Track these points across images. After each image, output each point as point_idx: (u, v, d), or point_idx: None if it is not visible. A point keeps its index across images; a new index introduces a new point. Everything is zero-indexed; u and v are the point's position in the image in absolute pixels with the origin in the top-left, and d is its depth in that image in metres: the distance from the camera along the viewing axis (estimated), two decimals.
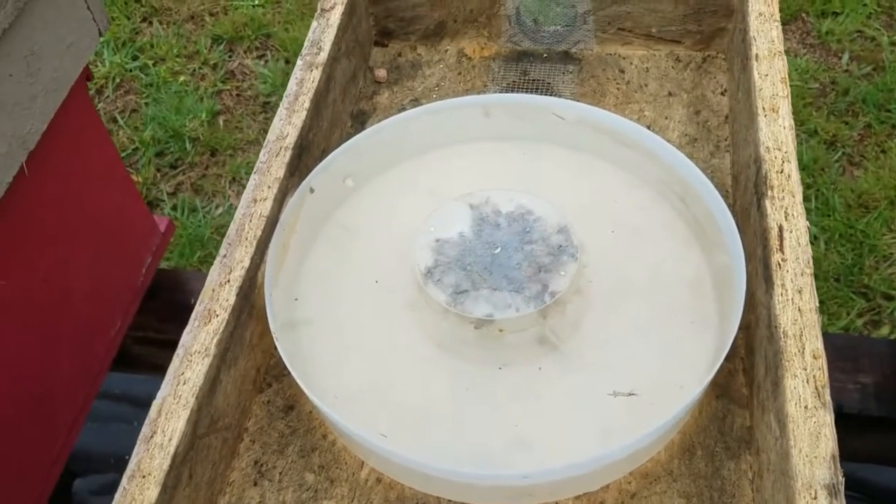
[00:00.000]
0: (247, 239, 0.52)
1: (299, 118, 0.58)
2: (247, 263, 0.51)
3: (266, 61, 1.67)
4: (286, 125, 0.58)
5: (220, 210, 1.45)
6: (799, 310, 0.45)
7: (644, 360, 0.52)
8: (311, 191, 0.57)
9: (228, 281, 0.50)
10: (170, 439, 0.44)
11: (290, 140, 0.57)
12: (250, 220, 0.53)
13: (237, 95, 1.64)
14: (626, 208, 0.58)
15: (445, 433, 0.50)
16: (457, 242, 0.54)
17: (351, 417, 0.47)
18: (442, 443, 0.49)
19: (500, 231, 0.54)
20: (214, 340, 0.48)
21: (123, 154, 1.54)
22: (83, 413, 0.81)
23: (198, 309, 0.49)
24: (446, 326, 0.53)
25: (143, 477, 0.43)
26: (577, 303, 0.53)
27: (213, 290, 0.50)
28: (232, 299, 0.50)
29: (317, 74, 0.61)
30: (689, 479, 0.49)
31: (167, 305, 0.92)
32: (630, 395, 0.50)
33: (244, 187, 0.57)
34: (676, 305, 0.54)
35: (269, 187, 0.55)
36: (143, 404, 0.47)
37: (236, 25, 1.73)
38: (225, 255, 0.52)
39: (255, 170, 0.56)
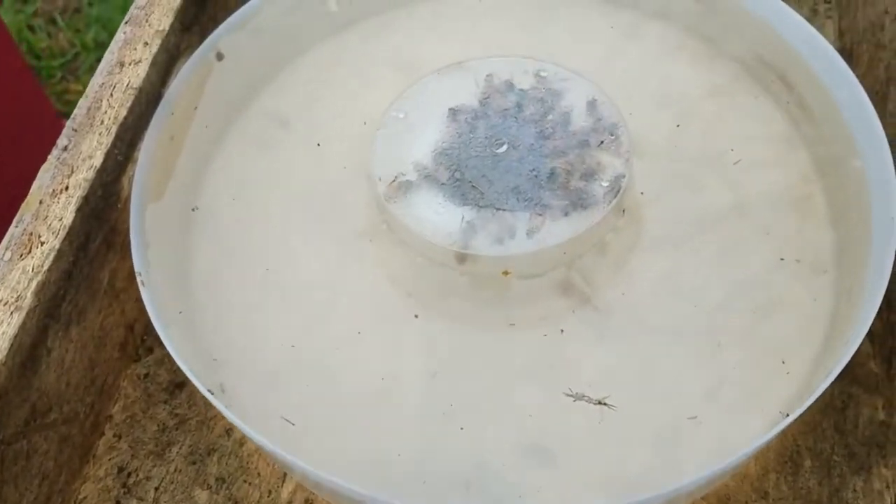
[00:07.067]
0: (103, 123, 0.33)
1: None
2: (98, 162, 0.32)
3: None
4: None
5: None
6: None
7: (724, 320, 0.33)
8: (220, 57, 0.38)
9: (66, 188, 0.31)
10: None
11: None
12: (111, 94, 0.34)
13: None
14: (696, 91, 0.39)
15: (416, 435, 0.32)
16: (440, 137, 0.34)
17: (262, 407, 0.29)
18: (410, 452, 0.31)
19: (508, 118, 0.34)
20: (33, 284, 0.29)
21: (62, 60, 1.33)
22: None
23: (13, 231, 0.31)
24: (421, 266, 0.34)
25: None
26: (621, 231, 0.34)
27: (42, 202, 0.31)
28: (69, 218, 0.31)
29: None
30: None
31: None
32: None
33: None
34: (772, 237, 0.35)
35: (145, 44, 0.35)
36: None
37: None
38: (66, 147, 0.32)
39: (126, 19, 0.36)
